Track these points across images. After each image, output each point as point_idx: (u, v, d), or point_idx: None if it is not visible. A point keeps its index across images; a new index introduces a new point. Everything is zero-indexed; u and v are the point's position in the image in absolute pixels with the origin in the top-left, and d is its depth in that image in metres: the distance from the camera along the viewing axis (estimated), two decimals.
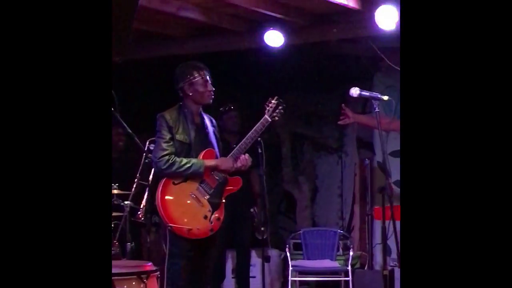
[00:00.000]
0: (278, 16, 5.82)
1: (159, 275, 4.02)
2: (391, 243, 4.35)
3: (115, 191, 5.15)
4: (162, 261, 4.12)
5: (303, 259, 6.75)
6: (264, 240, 4.67)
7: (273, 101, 4.37)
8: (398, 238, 3.90)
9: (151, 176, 5.07)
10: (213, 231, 4.19)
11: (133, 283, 3.80)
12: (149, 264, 4.04)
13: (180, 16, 5.78)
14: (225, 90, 4.62)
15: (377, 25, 5.54)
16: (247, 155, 4.31)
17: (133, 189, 5.23)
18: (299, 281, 6.75)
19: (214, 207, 4.21)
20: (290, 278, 6.44)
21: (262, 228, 4.59)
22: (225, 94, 4.69)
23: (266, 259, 4.78)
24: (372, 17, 5.52)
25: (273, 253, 6.77)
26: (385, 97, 4.23)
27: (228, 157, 4.28)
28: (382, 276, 4.11)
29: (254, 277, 6.59)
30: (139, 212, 5.12)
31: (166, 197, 4.11)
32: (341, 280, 6.59)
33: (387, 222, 4.06)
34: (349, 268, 6.37)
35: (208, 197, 4.19)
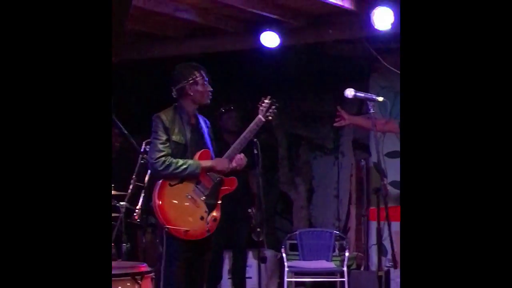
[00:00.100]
0: (274, 17, 5.83)
1: (153, 276, 4.02)
2: (387, 244, 4.35)
3: None
4: (159, 262, 4.12)
5: (299, 259, 6.76)
6: (260, 241, 4.67)
7: (266, 101, 4.38)
8: (393, 239, 3.90)
9: (147, 177, 5.08)
10: (210, 232, 4.19)
11: (128, 284, 3.80)
12: (144, 265, 4.04)
13: (177, 17, 5.79)
14: (220, 90, 4.62)
15: (372, 26, 5.55)
16: (242, 154, 4.32)
17: (129, 190, 5.23)
18: (295, 281, 6.76)
19: (211, 208, 4.20)
20: (286, 279, 6.44)
21: (258, 229, 4.58)
22: (220, 95, 4.69)
23: (262, 259, 4.77)
24: (367, 18, 5.54)
25: (269, 253, 6.77)
26: (380, 98, 4.24)
27: (223, 157, 4.28)
28: (377, 277, 4.12)
29: (250, 277, 6.60)
30: (134, 214, 5.12)
31: (163, 199, 4.11)
32: (337, 281, 6.60)
33: (382, 223, 4.06)
34: (345, 269, 6.38)
35: (204, 198, 4.19)
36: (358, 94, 4.26)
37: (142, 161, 4.98)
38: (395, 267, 4.73)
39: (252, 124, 4.31)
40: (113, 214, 5.16)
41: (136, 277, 3.83)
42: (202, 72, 4.28)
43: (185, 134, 4.21)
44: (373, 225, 6.36)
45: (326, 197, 7.97)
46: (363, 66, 6.98)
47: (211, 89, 4.30)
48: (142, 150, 4.93)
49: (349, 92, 4.27)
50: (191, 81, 4.22)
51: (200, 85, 4.25)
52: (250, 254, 6.66)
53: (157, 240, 4.27)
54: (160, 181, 4.15)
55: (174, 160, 4.12)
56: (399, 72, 6.15)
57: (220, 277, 6.53)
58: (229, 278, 6.67)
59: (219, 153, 4.34)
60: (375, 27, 5.54)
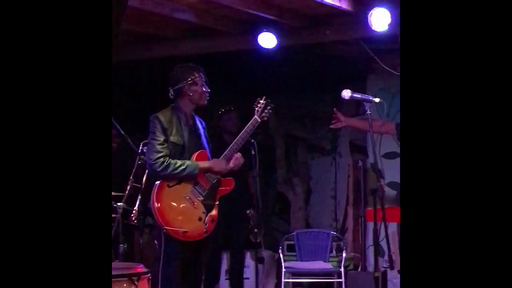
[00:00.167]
0: (272, 17, 5.83)
1: (150, 277, 4.02)
2: (384, 244, 4.36)
3: None
4: (157, 262, 4.12)
5: (297, 260, 6.76)
6: (258, 242, 4.67)
7: (261, 101, 4.40)
8: (389, 240, 3.91)
9: (144, 178, 5.07)
10: (208, 233, 4.19)
11: (124, 285, 3.79)
12: (140, 266, 4.04)
13: (174, 17, 5.79)
14: (217, 91, 4.63)
15: (369, 27, 5.56)
16: (239, 154, 4.32)
17: (126, 191, 5.23)
18: (292, 282, 6.76)
19: (208, 208, 4.21)
20: (283, 280, 6.44)
21: (256, 230, 4.58)
22: (218, 96, 4.69)
23: (259, 260, 4.78)
24: (365, 19, 5.54)
25: (267, 254, 6.77)
26: (377, 99, 4.24)
27: (220, 158, 4.29)
28: (374, 278, 4.12)
29: (247, 278, 6.60)
30: (132, 215, 5.11)
31: (162, 201, 4.10)
32: (334, 282, 6.61)
33: (378, 223, 4.07)
34: (342, 269, 6.38)
35: (202, 198, 4.19)
36: (355, 95, 4.27)
37: (140, 162, 4.97)
38: (392, 268, 4.73)
39: (248, 125, 4.32)
40: None
41: (133, 278, 3.83)
42: (201, 73, 4.30)
43: (182, 135, 4.21)
44: (370, 226, 6.36)
45: (323, 198, 7.98)
46: (360, 67, 6.99)
47: (209, 90, 4.31)
48: (139, 151, 4.93)
49: (346, 93, 4.27)
50: (190, 82, 4.23)
51: (199, 86, 4.26)
52: (248, 255, 6.66)
53: (155, 241, 4.27)
54: (159, 182, 4.15)
55: (173, 161, 4.12)
56: (396, 73, 6.18)
57: (217, 278, 6.53)
58: (226, 279, 6.67)
59: (219, 154, 4.35)
60: (372, 28, 5.54)
